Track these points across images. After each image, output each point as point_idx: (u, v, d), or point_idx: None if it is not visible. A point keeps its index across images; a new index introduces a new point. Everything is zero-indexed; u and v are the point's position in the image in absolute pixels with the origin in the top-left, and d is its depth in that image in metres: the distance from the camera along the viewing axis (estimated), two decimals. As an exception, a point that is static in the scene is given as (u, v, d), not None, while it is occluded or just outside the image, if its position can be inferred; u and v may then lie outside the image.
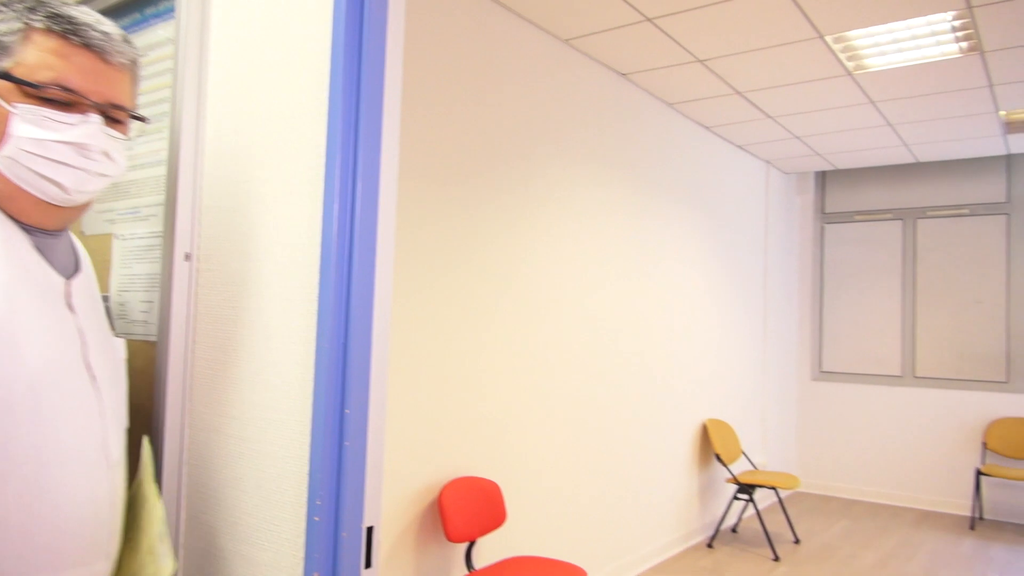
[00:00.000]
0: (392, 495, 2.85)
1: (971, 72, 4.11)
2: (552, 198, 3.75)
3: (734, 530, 5.43)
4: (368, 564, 1.21)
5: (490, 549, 3.33)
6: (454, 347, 3.15)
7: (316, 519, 1.17)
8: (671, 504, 4.82)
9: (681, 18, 3.48)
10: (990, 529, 5.66)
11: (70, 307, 1.09)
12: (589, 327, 4.03)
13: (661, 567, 4.54)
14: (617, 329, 4.27)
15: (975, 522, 5.85)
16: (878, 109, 4.81)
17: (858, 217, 6.75)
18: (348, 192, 1.21)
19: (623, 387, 4.32)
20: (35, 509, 0.98)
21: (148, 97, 1.49)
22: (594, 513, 4.05)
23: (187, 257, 1.40)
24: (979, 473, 5.71)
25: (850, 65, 4.05)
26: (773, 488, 4.95)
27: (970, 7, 3.31)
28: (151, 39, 1.51)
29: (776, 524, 5.63)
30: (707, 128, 5.32)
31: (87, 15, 1.06)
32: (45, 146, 1.01)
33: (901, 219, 6.53)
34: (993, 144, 5.64)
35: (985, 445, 5.96)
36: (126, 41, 1.10)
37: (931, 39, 3.69)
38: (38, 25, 1.02)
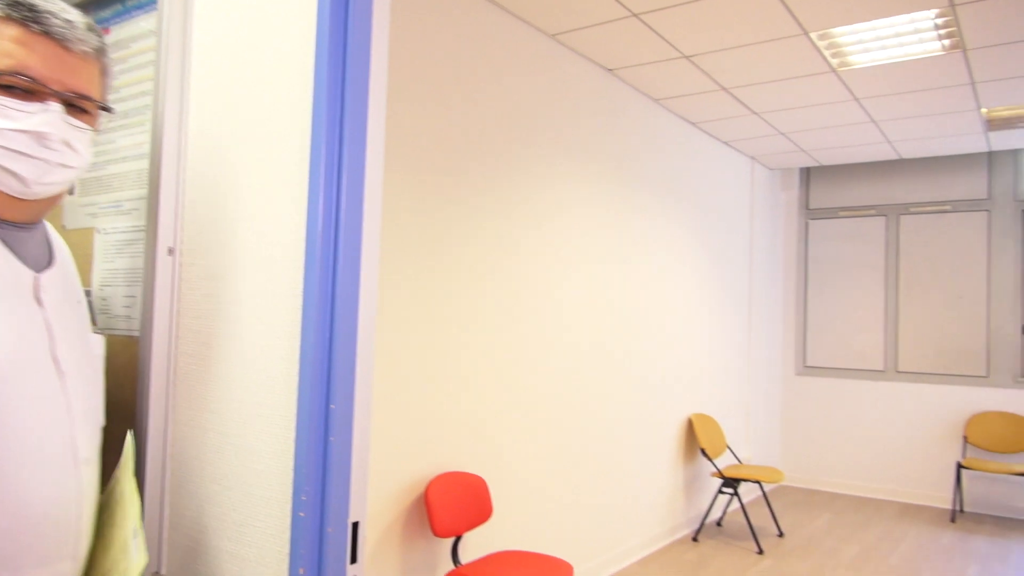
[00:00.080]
0: (378, 490, 2.85)
1: (953, 70, 4.14)
2: (538, 193, 3.75)
3: (719, 524, 5.47)
4: (354, 560, 1.21)
5: (476, 544, 3.33)
6: (440, 342, 3.14)
7: (301, 515, 1.16)
8: (656, 498, 4.85)
9: (668, 14, 3.49)
10: (970, 521, 5.73)
11: (38, 301, 1.07)
12: (575, 322, 4.03)
13: (647, 560, 4.57)
14: (603, 324, 4.28)
15: (956, 515, 5.93)
16: (862, 106, 4.85)
17: (842, 213, 6.80)
18: (333, 186, 1.20)
19: (609, 382, 4.33)
20: None
21: (130, 90, 1.47)
22: (580, 507, 4.07)
23: (170, 251, 1.39)
24: (959, 466, 5.78)
25: (834, 62, 4.07)
26: (757, 482, 4.99)
27: (952, 5, 3.34)
28: (133, 31, 1.49)
29: (760, 517, 5.67)
30: (693, 124, 5.34)
31: (49, 3, 1.04)
32: (3, 135, 0.98)
33: (884, 215, 6.59)
34: (975, 141, 5.70)
35: (966, 439, 6.04)
36: (91, 30, 1.08)
37: (914, 37, 3.72)
38: None
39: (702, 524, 5.20)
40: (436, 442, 3.12)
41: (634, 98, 4.59)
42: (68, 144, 1.04)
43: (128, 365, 1.41)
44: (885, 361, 6.51)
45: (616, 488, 4.40)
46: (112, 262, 1.47)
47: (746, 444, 6.24)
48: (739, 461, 5.79)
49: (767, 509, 5.89)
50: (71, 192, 1.56)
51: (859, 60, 4.04)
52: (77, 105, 1.06)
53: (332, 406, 1.19)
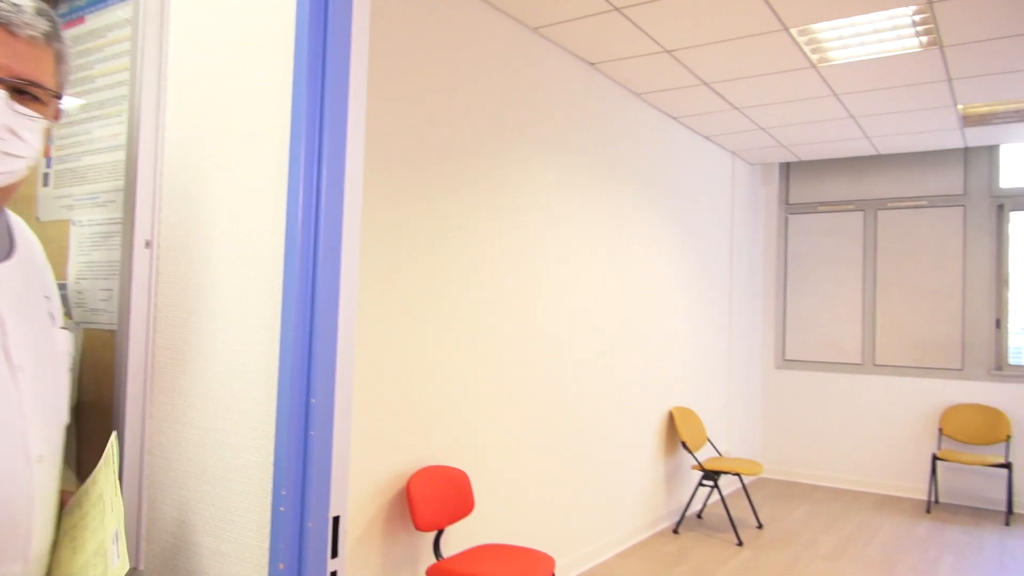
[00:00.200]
0: (359, 485, 2.84)
1: (930, 66, 4.19)
2: (519, 186, 3.75)
3: (699, 516, 5.52)
4: (334, 554, 1.21)
5: (458, 537, 3.33)
6: (422, 336, 3.14)
7: (281, 509, 1.15)
8: (638, 491, 4.88)
9: (649, 8, 3.49)
10: (945, 512, 5.83)
11: None
12: (557, 316, 4.04)
13: (627, 553, 4.60)
14: (584, 318, 4.29)
15: (931, 505, 6.02)
16: (841, 102, 4.89)
17: (821, 208, 6.86)
18: (313, 179, 1.19)
19: (591, 375, 4.35)
20: None
21: (106, 80, 1.45)
22: (562, 500, 4.09)
23: (147, 244, 1.37)
24: (935, 458, 5.87)
25: (814, 58, 4.10)
26: (737, 474, 5.03)
27: (930, 2, 3.38)
28: (109, 20, 1.47)
29: (740, 509, 5.73)
30: (674, 118, 5.36)
31: None
32: None
33: (862, 210, 6.66)
34: (951, 137, 5.77)
35: (941, 431, 6.13)
36: (41, 14, 1.03)
37: (892, 33, 3.75)
38: None
39: (683, 516, 5.24)
40: (418, 436, 3.12)
41: (616, 92, 4.60)
42: (13, 132, 1.00)
43: (105, 359, 1.39)
44: (863, 355, 6.59)
45: (598, 481, 4.42)
46: (88, 255, 1.45)
47: (726, 437, 6.30)
48: (719, 454, 5.84)
49: (747, 501, 5.95)
50: (45, 183, 1.53)
51: (838, 56, 4.08)
52: (28, 92, 1.01)
53: (312, 400, 1.18)
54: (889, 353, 6.48)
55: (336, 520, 1.21)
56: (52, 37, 1.05)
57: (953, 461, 5.72)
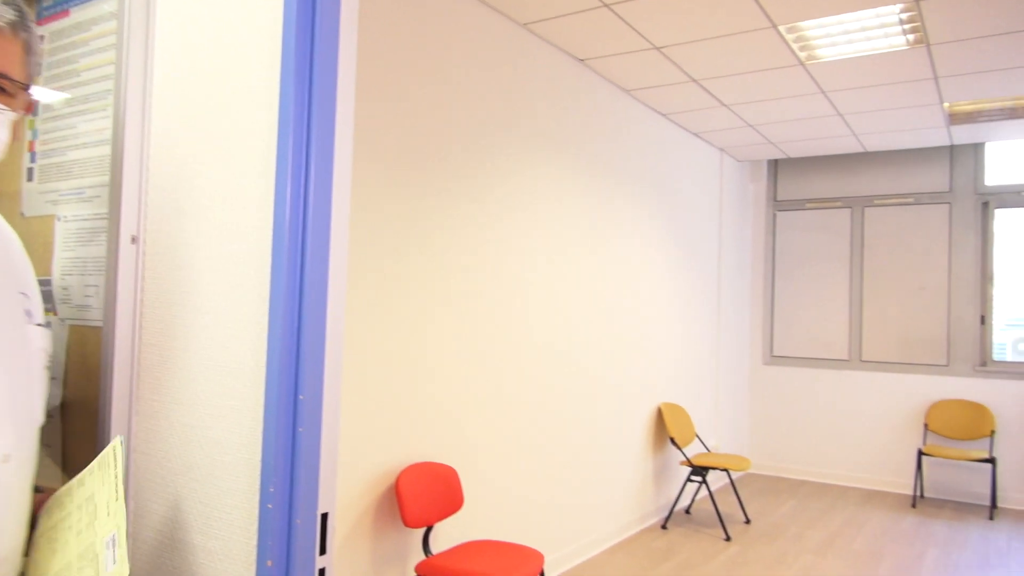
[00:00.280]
0: (348, 481, 2.84)
1: (917, 64, 4.22)
2: (508, 183, 3.75)
3: (688, 511, 5.54)
4: (323, 551, 1.20)
5: (447, 534, 3.33)
6: (411, 332, 3.13)
7: (269, 506, 1.15)
8: (626, 487, 4.90)
9: (638, 4, 3.49)
10: (930, 506, 5.89)
11: None
12: (545, 312, 4.04)
13: (616, 548, 4.61)
14: (573, 314, 4.30)
15: (916, 500, 6.08)
16: (829, 99, 4.91)
17: (809, 205, 6.90)
18: (301, 174, 1.19)
19: (579, 372, 4.36)
20: None
21: (91, 74, 1.44)
22: (551, 496, 4.09)
23: (133, 240, 1.36)
24: (920, 453, 5.93)
25: (802, 55, 4.12)
26: (725, 470, 5.06)
27: (916, 0, 3.40)
28: (94, 13, 1.45)
29: (728, 505, 5.76)
30: (663, 115, 5.37)
31: None
32: None
33: (850, 207, 6.70)
34: (937, 135, 5.81)
35: (926, 426, 6.19)
36: (7, 3, 1.01)
37: (879, 31, 3.77)
38: None
39: (671, 512, 5.27)
40: (407, 433, 3.11)
41: (605, 88, 4.60)
42: None
43: (90, 356, 1.38)
44: (850, 351, 6.64)
45: (586, 477, 4.43)
46: (73, 250, 1.43)
47: (714, 433, 6.33)
48: (708, 449, 5.87)
49: (735, 496, 5.99)
50: (29, 178, 1.52)
51: (826, 54, 4.09)
52: None
53: (301, 397, 1.17)
54: (875, 349, 6.52)
55: (324, 517, 1.21)
56: (19, 27, 1.02)
57: (938, 456, 5.77)
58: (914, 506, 5.87)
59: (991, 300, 6.10)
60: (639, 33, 3.85)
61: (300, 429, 1.17)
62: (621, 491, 4.83)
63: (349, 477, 2.84)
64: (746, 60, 4.21)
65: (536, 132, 3.94)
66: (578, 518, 4.36)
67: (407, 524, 2.94)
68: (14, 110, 1.03)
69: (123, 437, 1.17)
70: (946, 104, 4.97)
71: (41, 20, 1.55)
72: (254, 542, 1.18)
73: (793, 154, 6.64)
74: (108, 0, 1.43)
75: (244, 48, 1.27)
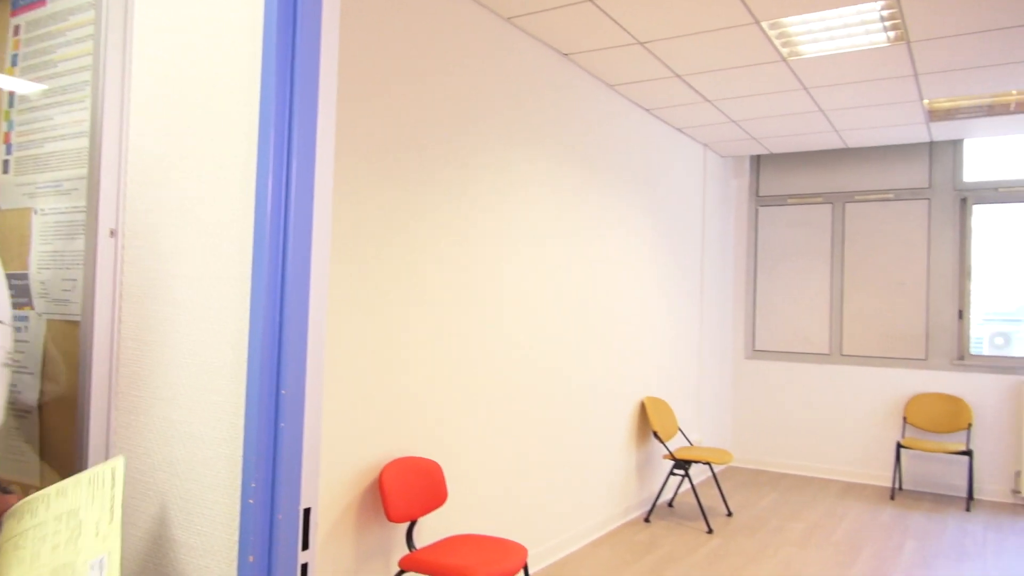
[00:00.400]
0: (331, 476, 2.83)
1: (898, 61, 4.26)
2: (491, 177, 3.74)
3: (670, 505, 5.58)
4: (305, 546, 1.20)
5: (431, 528, 3.33)
6: (394, 327, 3.12)
7: (251, 502, 1.14)
8: (610, 480, 4.92)
9: (622, -1, 3.50)
10: (909, 499, 5.97)
11: None
12: (529, 306, 4.05)
13: (599, 542, 4.64)
14: (557, 308, 4.30)
15: (895, 492, 6.16)
16: (811, 95, 4.95)
17: (791, 200, 6.95)
18: (282, 167, 1.18)
19: (563, 366, 4.37)
20: None
21: (68, 64, 1.41)
22: (534, 490, 4.10)
23: (112, 233, 1.35)
24: (899, 446, 6.00)
25: (785, 51, 4.14)
26: (708, 463, 5.10)
27: (898, -3, 3.43)
28: (71, 3, 1.43)
29: (710, 498, 5.81)
30: (647, 110, 5.38)
31: None
32: None
33: (831, 203, 6.76)
34: (917, 131, 5.87)
35: (905, 419, 6.27)
36: None
37: (861, 28, 3.80)
38: None
39: (654, 505, 5.30)
40: (390, 427, 3.11)
41: (589, 83, 4.60)
42: None
43: (69, 351, 1.36)
44: (830, 345, 6.70)
45: (570, 471, 4.45)
46: (51, 244, 1.41)
47: (697, 427, 6.37)
48: (690, 443, 5.91)
49: (717, 490, 6.04)
50: (5, 171, 1.49)
51: (808, 50, 4.12)
52: None
53: (283, 391, 1.17)
54: (856, 343, 6.59)
55: (307, 512, 1.20)
56: None
57: (916, 449, 5.85)
58: (893, 498, 5.95)
59: (969, 295, 6.18)
60: (623, 28, 3.85)
61: (282, 424, 1.16)
62: (604, 485, 4.86)
63: (332, 472, 2.83)
64: (729, 56, 4.22)
65: (519, 127, 3.94)
66: (561, 512, 4.37)
67: (391, 519, 2.93)
68: None
69: (125, 458, 1.13)
70: (926, 101, 5.02)
71: (17, 10, 1.52)
72: (236, 537, 1.17)
73: (775, 150, 6.69)
74: (85, -10, 1.41)
75: (225, 39, 1.25)
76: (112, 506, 1.06)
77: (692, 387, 6.28)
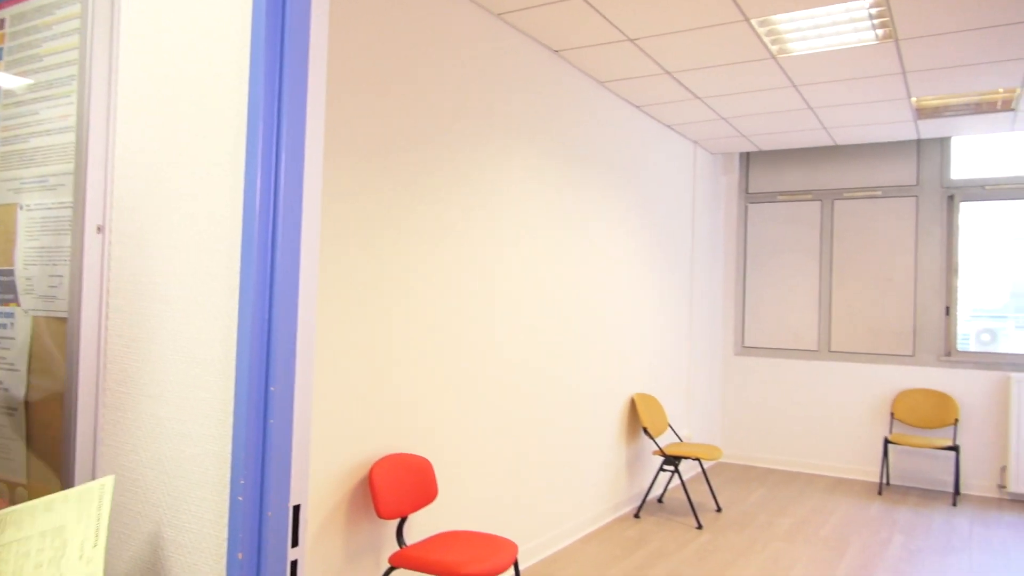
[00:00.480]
0: (321, 473, 2.82)
1: (886, 59, 4.28)
2: (481, 174, 3.74)
3: (660, 500, 5.60)
4: (295, 543, 1.20)
5: (422, 525, 3.33)
6: (384, 323, 3.12)
7: (240, 499, 1.14)
8: (600, 477, 4.93)
9: (612, -4, 3.50)
10: (896, 493, 6.01)
11: None
12: (519, 303, 4.05)
13: (589, 538, 4.65)
14: (547, 305, 4.31)
15: (882, 487, 6.21)
16: (800, 92, 4.97)
17: (780, 197, 6.98)
18: (271, 162, 1.17)
19: (553, 362, 4.37)
20: None
21: (54, 58, 1.40)
22: (525, 487, 4.11)
23: (99, 229, 1.34)
24: (887, 441, 6.05)
25: (774, 49, 4.15)
26: (697, 459, 5.12)
27: (886, -5, 3.44)
28: (56, -3, 1.42)
29: (700, 494, 5.83)
30: (637, 107, 5.39)
31: None
32: None
33: (820, 200, 6.79)
34: (905, 129, 5.91)
35: (893, 415, 6.31)
36: None
37: (849, 26, 3.82)
38: None
39: (643, 501, 5.32)
40: (380, 424, 3.10)
41: (580, 80, 4.60)
42: None
43: (55, 347, 1.35)
44: (819, 341, 6.74)
45: (560, 467, 4.46)
46: (37, 240, 1.40)
47: (687, 423, 6.39)
48: (680, 439, 5.93)
49: (706, 485, 6.06)
50: (-9, 166, 1.48)
51: (797, 48, 4.13)
52: None
53: (272, 388, 1.16)
54: (844, 340, 6.63)
55: (296, 509, 1.20)
56: None
57: (904, 444, 5.90)
58: (880, 493, 5.99)
59: (956, 291, 6.23)
60: (613, 25, 3.85)
61: (271, 421, 1.16)
62: (594, 481, 4.87)
63: (322, 469, 2.83)
64: (719, 53, 4.23)
65: (509, 123, 3.94)
66: (552, 508, 4.38)
67: (381, 515, 2.93)
68: None
69: (115, 477, 1.10)
70: (914, 99, 5.05)
71: (2, 3, 1.51)
72: (224, 535, 1.17)
73: (765, 147, 6.71)
74: (71, -17, 1.40)
75: (214, 33, 1.25)
76: (98, 528, 1.03)
77: (682, 383, 6.30)
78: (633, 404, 5.38)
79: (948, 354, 6.20)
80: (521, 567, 4.07)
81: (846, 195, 6.67)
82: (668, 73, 4.61)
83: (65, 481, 1.31)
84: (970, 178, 6.21)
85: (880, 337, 6.47)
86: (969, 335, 6.21)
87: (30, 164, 1.42)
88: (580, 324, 4.65)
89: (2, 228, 1.43)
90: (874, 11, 3.63)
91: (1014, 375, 5.84)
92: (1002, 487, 5.94)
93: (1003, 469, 5.94)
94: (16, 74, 1.46)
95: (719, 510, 5.36)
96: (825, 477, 6.52)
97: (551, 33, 4.00)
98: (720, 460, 7.09)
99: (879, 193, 6.53)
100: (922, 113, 5.40)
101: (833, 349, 6.67)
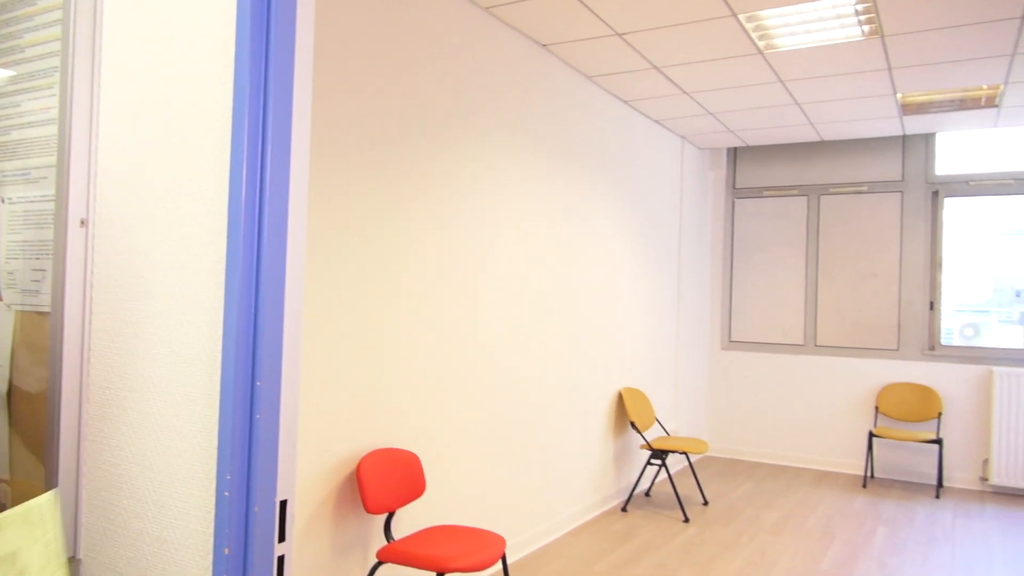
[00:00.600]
0: (308, 468, 2.81)
1: (872, 55, 4.30)
2: (469, 168, 3.73)
3: (647, 494, 5.63)
4: (282, 538, 1.19)
5: (410, 519, 3.33)
6: (371, 318, 3.11)
7: (226, 494, 1.13)
8: (587, 471, 4.95)
9: (601, -10, 3.49)
10: (880, 487, 6.07)
11: None
12: (507, 297, 4.05)
13: (577, 531, 4.67)
14: (535, 299, 4.31)
15: (867, 480, 6.26)
16: (787, 88, 4.98)
17: (767, 193, 7.01)
18: (257, 156, 1.16)
19: (541, 357, 4.38)
20: None
21: (36, 50, 1.38)
22: (513, 481, 4.12)
23: (82, 223, 1.32)
24: (871, 435, 6.10)
25: (761, 44, 4.17)
26: (684, 453, 5.14)
27: (873, -9, 3.46)
28: (38, -13, 1.40)
29: (687, 487, 5.86)
30: (625, 102, 5.39)
31: None
32: None
33: (806, 195, 6.83)
34: (890, 125, 5.94)
35: (877, 409, 6.37)
36: None
37: (836, 22, 3.84)
38: None
39: (631, 495, 5.34)
40: (368, 418, 3.10)
41: (568, 74, 4.60)
42: None
43: (39, 342, 1.34)
44: (805, 336, 6.79)
45: (548, 461, 4.47)
46: (20, 233, 1.39)
47: (674, 417, 6.42)
48: (667, 433, 5.96)
49: (693, 479, 6.10)
50: (-29, 159, 1.46)
51: (784, 43, 4.15)
52: None
53: (258, 383, 1.16)
54: (829, 334, 6.68)
55: (283, 504, 1.19)
56: None
57: (888, 438, 5.95)
58: (865, 486, 6.05)
59: (940, 286, 6.28)
60: (601, 19, 3.85)
61: (258, 416, 1.15)
62: (582, 475, 4.88)
63: (309, 464, 2.82)
64: (706, 48, 4.24)
65: (497, 118, 3.93)
66: (539, 502, 4.39)
67: (368, 510, 2.93)
68: None
69: (58, 490, 1.04)
70: (899, 95, 5.08)
71: (-18, -7, 1.49)
72: (211, 530, 1.16)
73: (752, 142, 6.73)
74: (53, -27, 1.38)
75: (198, 25, 1.23)
76: (54, 549, 0.97)
77: (669, 378, 6.33)
78: (621, 398, 5.40)
79: (932, 348, 6.26)
80: (509, 561, 4.08)
81: (832, 190, 6.71)
82: (656, 68, 4.62)
83: (49, 477, 1.30)
84: (954, 174, 6.26)
85: (865, 331, 6.52)
86: (953, 329, 6.27)
87: (12, 157, 1.40)
88: (568, 318, 4.66)
89: (-17, 222, 1.41)
90: (860, 7, 3.65)
91: (996, 369, 5.91)
92: (984, 480, 6.02)
93: (985, 462, 6.01)
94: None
95: (706, 503, 5.39)
96: (811, 470, 6.58)
97: (539, 27, 3.99)
98: (707, 454, 7.13)
99: (865, 188, 6.57)
100: (907, 109, 5.43)
101: (819, 343, 6.71)
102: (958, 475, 6.11)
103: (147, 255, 1.27)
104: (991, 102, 5.20)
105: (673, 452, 5.16)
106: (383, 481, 3.02)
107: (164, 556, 1.22)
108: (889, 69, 4.54)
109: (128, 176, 1.30)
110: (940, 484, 5.94)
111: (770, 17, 3.80)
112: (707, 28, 3.93)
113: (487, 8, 3.75)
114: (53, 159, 1.34)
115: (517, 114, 4.09)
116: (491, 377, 3.91)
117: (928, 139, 6.34)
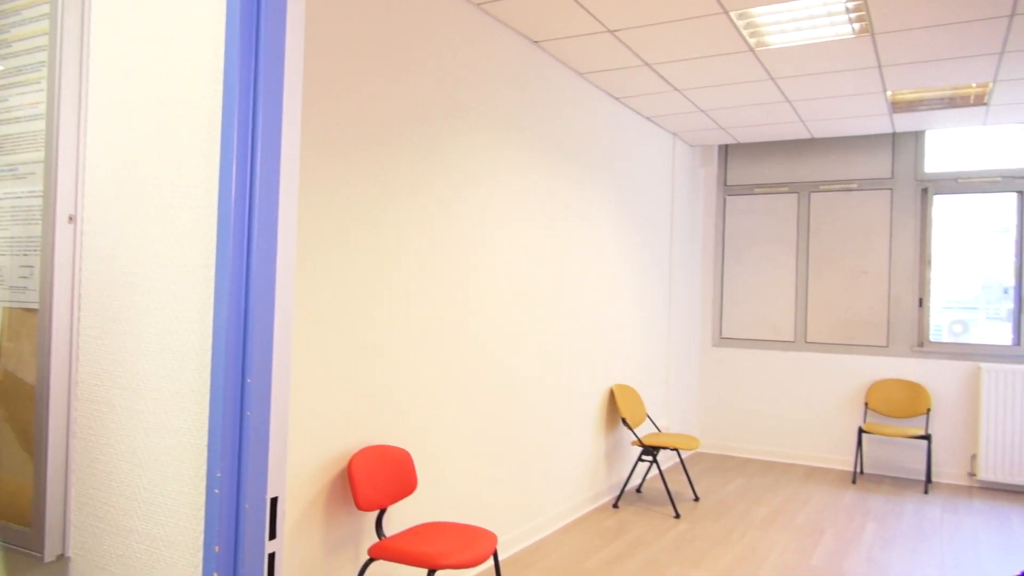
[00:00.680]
0: (299, 465, 2.81)
1: (862, 53, 4.32)
2: (461, 165, 3.73)
3: (639, 490, 5.65)
4: (272, 535, 1.19)
5: (401, 516, 3.33)
6: (363, 314, 3.10)
7: (216, 491, 1.13)
8: (579, 467, 4.96)
9: (592, -13, 3.49)
10: (869, 482, 6.11)
11: None
12: (498, 294, 4.05)
13: (569, 528, 4.68)
14: (527, 296, 4.31)
15: (856, 476, 6.30)
16: (777, 85, 5.00)
17: (757, 190, 7.03)
18: (247, 152, 1.16)
19: (532, 353, 4.38)
20: None
21: (23, 44, 1.37)
22: (504, 478, 4.12)
23: (70, 219, 1.31)
24: (861, 431, 6.14)
25: (752, 41, 4.17)
26: (675, 449, 5.16)
27: (863, -11, 3.47)
28: (25, -19, 1.38)
29: (678, 483, 5.88)
30: (617, 99, 5.39)
31: None
32: None
33: (796, 192, 6.85)
34: (880, 122, 5.97)
35: (867, 405, 6.41)
36: None
37: (827, 19, 3.85)
38: None
39: (622, 491, 5.36)
40: (359, 415, 3.09)
41: (560, 71, 4.60)
42: None
43: (26, 340, 1.33)
44: (795, 332, 6.82)
45: (539, 458, 4.47)
46: (7, 229, 1.37)
47: (665, 413, 6.44)
48: (658, 429, 5.97)
49: (684, 475, 6.12)
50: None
51: (775, 41, 4.16)
52: None
53: (248, 380, 1.15)
54: (819, 331, 6.71)
55: (274, 501, 1.19)
56: None
57: (877, 434, 5.99)
58: (854, 482, 6.09)
59: (929, 283, 6.32)
60: (593, 16, 3.85)
61: (248, 413, 1.15)
62: (573, 471, 4.89)
63: (300, 461, 2.81)
64: (698, 45, 4.25)
65: (489, 115, 3.92)
66: (531, 499, 4.40)
67: (360, 507, 2.92)
68: None
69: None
70: (889, 92, 5.11)
71: (-32, -13, 1.47)
72: (201, 528, 1.16)
73: (743, 139, 6.75)
74: (41, -33, 1.36)
75: (188, 19, 1.22)
76: None
77: (660, 374, 6.35)
78: (612, 395, 5.41)
79: (921, 345, 6.30)
80: (500, 557, 4.08)
81: (822, 188, 6.74)
82: (648, 65, 4.62)
83: (38, 475, 1.29)
84: (943, 171, 6.30)
85: (855, 328, 6.56)
86: (941, 326, 6.31)
87: (-1, 152, 1.39)
88: (559, 315, 4.66)
89: (-30, 218, 1.40)
90: (851, 5, 3.66)
91: (984, 365, 5.95)
92: (972, 475, 6.07)
93: (973, 457, 6.06)
94: (-16, 60, 1.42)
95: (697, 499, 5.41)
96: (800, 466, 6.61)
97: (531, 23, 3.99)
98: (698, 450, 7.16)
99: (855, 186, 6.61)
100: (897, 107, 5.46)
101: (809, 340, 6.75)
102: (946, 470, 6.16)
103: (136, 251, 1.26)
104: (980, 100, 5.23)
105: (664, 448, 5.18)
106: (374, 478, 3.02)
107: (154, 554, 1.21)
108: (879, 67, 4.56)
109: (117, 172, 1.29)
110: (929, 479, 5.99)
111: (761, 15, 3.81)
112: (698, 25, 3.94)
113: (478, 4, 3.74)
114: (41, 155, 1.33)
115: (508, 111, 4.08)
116: (482, 374, 3.91)
117: (918, 137, 6.38)
